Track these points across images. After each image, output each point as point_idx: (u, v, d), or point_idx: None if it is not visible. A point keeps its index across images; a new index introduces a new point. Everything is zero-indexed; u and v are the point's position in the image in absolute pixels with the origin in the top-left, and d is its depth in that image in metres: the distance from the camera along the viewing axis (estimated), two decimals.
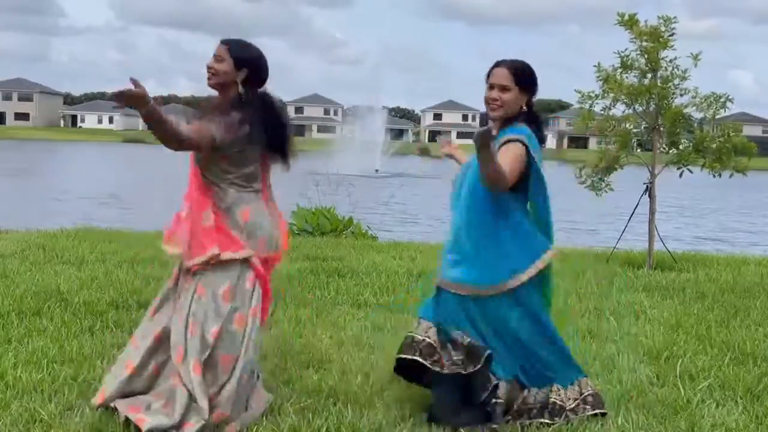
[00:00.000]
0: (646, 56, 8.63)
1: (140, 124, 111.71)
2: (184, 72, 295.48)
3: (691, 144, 8.87)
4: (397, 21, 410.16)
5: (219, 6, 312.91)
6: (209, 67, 3.67)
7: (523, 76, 3.73)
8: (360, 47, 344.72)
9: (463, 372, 3.67)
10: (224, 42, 3.70)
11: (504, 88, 3.69)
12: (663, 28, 8.56)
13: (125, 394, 3.70)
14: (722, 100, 8.67)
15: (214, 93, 3.74)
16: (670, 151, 9.04)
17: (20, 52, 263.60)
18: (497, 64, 3.76)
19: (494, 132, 3.67)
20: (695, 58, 8.53)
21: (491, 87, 3.72)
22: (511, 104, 3.71)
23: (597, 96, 8.85)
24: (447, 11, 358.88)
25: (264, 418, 3.69)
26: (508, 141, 3.67)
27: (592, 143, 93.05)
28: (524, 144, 3.66)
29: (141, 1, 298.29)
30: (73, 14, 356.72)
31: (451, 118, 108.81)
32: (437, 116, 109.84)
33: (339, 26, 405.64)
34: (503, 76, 3.70)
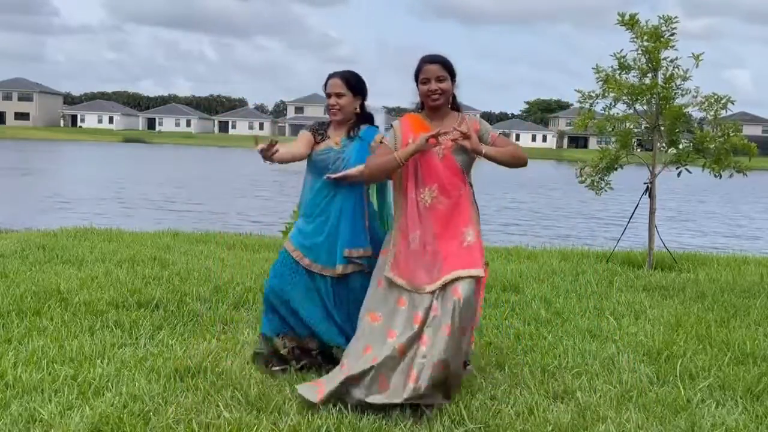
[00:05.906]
0: (647, 56, 8.62)
1: (140, 123, 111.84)
2: (181, 71, 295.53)
3: (690, 144, 8.86)
4: (390, 20, 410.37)
5: (212, 5, 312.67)
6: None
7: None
8: (355, 46, 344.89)
9: None
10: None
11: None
12: (663, 28, 8.56)
13: None
14: (723, 100, 8.66)
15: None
16: (670, 151, 9.03)
17: (15, 52, 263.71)
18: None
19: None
20: (697, 58, 8.50)
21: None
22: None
23: (597, 96, 8.85)
24: (440, 10, 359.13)
25: (264, 418, 3.69)
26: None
27: (593, 143, 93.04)
28: None
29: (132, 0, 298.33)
30: (66, 13, 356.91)
31: None
32: None
33: (333, 25, 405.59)
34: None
